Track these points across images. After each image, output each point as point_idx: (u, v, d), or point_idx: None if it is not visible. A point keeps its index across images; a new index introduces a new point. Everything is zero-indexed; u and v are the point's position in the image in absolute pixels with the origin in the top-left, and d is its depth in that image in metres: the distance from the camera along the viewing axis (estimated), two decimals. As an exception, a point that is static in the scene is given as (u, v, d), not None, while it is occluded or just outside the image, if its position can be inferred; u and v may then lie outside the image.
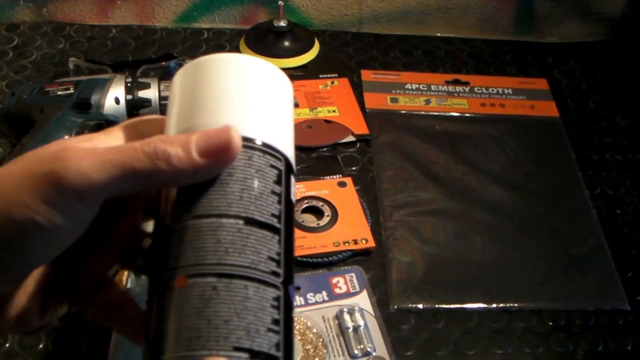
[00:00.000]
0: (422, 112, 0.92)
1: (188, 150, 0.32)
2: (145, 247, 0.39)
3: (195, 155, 0.32)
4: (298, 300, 0.68)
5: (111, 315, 0.38)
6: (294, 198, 0.36)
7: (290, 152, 0.37)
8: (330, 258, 0.73)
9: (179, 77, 0.38)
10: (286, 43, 0.98)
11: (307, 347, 0.64)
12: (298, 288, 0.69)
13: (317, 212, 0.77)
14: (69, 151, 0.32)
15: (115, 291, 0.39)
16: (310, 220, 0.76)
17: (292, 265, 0.34)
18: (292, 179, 0.36)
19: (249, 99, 0.36)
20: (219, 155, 0.33)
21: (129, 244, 0.38)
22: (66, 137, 0.79)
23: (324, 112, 0.90)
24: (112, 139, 0.36)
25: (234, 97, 0.36)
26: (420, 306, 0.70)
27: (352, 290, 0.70)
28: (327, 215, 0.76)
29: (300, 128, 0.87)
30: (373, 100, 0.93)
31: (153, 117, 0.38)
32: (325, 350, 0.64)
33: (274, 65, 0.39)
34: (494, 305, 0.71)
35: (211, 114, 0.35)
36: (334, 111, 0.90)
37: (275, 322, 0.32)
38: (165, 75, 0.87)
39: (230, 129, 0.33)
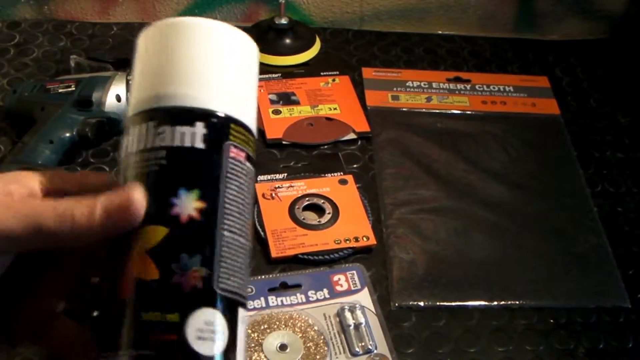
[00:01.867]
0: (423, 110, 0.92)
1: (92, 211, 0.34)
2: (94, 283, 0.39)
3: (98, 216, 0.34)
4: (299, 297, 0.68)
5: (66, 351, 0.39)
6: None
7: (251, 121, 0.39)
8: (332, 256, 0.73)
9: (143, 39, 0.39)
10: (287, 41, 0.98)
11: (308, 345, 0.64)
12: (299, 285, 0.69)
13: (318, 210, 0.77)
14: None
15: (66, 326, 0.39)
16: (311, 217, 0.76)
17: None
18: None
19: (212, 70, 0.37)
20: (120, 218, 0.34)
21: (74, 284, 0.39)
22: (67, 134, 0.79)
23: (325, 110, 0.90)
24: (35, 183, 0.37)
25: (196, 67, 0.37)
26: (422, 304, 0.71)
27: (353, 288, 0.70)
28: (328, 213, 0.76)
29: (302, 125, 0.87)
30: (374, 98, 0.93)
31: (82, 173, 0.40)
32: (326, 348, 0.65)
33: (240, 31, 0.40)
34: (495, 303, 0.71)
35: (173, 84, 0.36)
36: (335, 109, 0.90)
37: None
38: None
39: (132, 192, 0.34)
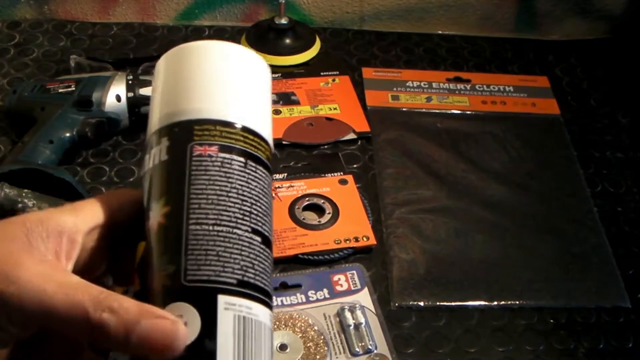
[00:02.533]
0: (423, 110, 0.92)
1: (128, 331, 0.32)
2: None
3: (134, 339, 0.32)
4: (299, 297, 0.68)
5: None
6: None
7: (268, 135, 0.42)
8: (332, 256, 0.73)
9: (162, 63, 0.41)
10: (287, 41, 0.98)
11: (308, 345, 0.64)
12: (299, 285, 0.69)
13: (319, 210, 0.77)
14: (21, 271, 0.32)
15: None
16: (311, 217, 0.76)
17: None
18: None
19: (230, 86, 0.40)
20: (157, 350, 0.32)
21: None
22: (67, 134, 0.79)
23: (325, 110, 0.90)
24: (80, 221, 0.36)
25: (214, 83, 0.39)
26: (422, 304, 0.71)
27: (353, 288, 0.70)
28: (329, 213, 0.76)
29: (302, 125, 0.87)
30: (374, 98, 0.93)
31: (123, 191, 0.40)
32: (326, 348, 0.65)
33: (252, 52, 0.43)
34: (495, 303, 0.71)
35: (193, 100, 0.38)
36: (335, 109, 0.90)
37: None
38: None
39: (178, 325, 0.33)
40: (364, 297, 0.69)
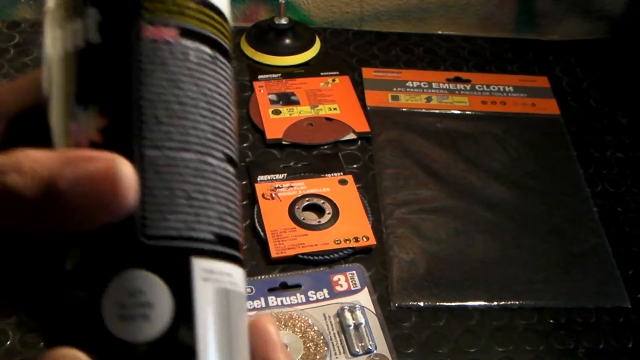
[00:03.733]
0: (423, 110, 0.92)
1: (49, 187, 0.23)
2: None
3: (55, 201, 0.23)
4: (299, 298, 0.68)
5: None
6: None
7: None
8: (331, 256, 0.73)
9: None
10: (287, 41, 0.98)
11: (308, 345, 0.64)
12: (299, 286, 0.69)
13: (318, 210, 0.77)
14: None
15: None
16: (311, 218, 0.76)
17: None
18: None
19: None
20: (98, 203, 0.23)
21: None
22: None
23: (325, 110, 0.90)
24: None
25: None
26: (421, 304, 0.71)
27: (353, 288, 0.70)
28: (328, 213, 0.76)
29: (301, 126, 0.87)
30: (374, 98, 0.93)
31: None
32: (326, 348, 0.64)
33: None
34: (495, 303, 0.71)
35: None
36: (335, 109, 0.90)
37: None
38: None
39: (117, 163, 0.23)
40: (364, 297, 0.69)
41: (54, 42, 0.26)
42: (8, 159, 0.23)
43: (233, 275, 0.26)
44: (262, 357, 0.27)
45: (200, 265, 0.24)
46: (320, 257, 0.72)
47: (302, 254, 0.72)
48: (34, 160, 0.23)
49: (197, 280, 0.24)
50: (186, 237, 0.24)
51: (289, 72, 0.95)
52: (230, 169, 0.27)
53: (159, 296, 0.24)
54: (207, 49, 0.26)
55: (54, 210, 0.23)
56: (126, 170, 0.23)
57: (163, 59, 0.25)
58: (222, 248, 0.25)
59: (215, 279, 0.25)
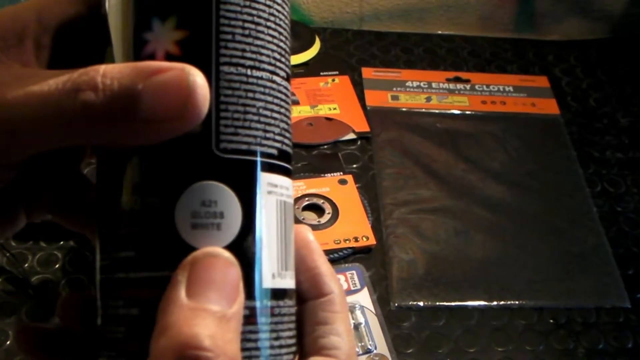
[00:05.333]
0: (423, 110, 0.92)
1: (126, 102, 0.23)
2: None
3: (133, 115, 0.23)
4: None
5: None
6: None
7: None
8: (331, 256, 0.73)
9: None
10: (287, 40, 0.98)
11: (307, 345, 0.64)
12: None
13: (318, 210, 0.77)
14: None
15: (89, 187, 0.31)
16: (310, 217, 0.76)
17: None
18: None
19: None
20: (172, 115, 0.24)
21: None
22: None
23: (324, 110, 0.90)
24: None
25: None
26: (421, 304, 0.70)
27: (352, 288, 0.70)
28: (328, 213, 0.76)
29: (301, 125, 0.87)
30: (374, 98, 0.93)
31: None
32: (326, 348, 0.64)
33: None
34: (495, 303, 0.71)
35: None
36: (334, 109, 0.90)
37: None
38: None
39: (189, 73, 0.24)
40: (364, 297, 0.69)
41: None
42: (80, 77, 0.23)
43: (289, 188, 0.27)
44: (307, 263, 0.30)
45: (266, 179, 0.26)
46: (320, 257, 0.72)
47: (302, 254, 0.72)
48: (107, 76, 0.23)
49: (262, 192, 0.26)
50: (255, 151, 0.26)
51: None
52: (289, 86, 0.28)
53: (230, 207, 0.25)
54: None
55: (130, 124, 0.23)
56: (200, 81, 0.23)
57: None
58: (282, 163, 0.27)
59: (277, 192, 0.26)
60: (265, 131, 0.26)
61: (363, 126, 0.88)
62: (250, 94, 0.26)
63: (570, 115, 0.94)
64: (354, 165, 0.84)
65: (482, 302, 0.71)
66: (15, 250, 0.70)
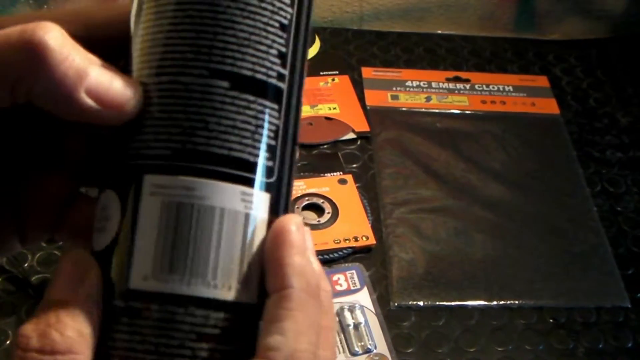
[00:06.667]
0: (423, 110, 0.92)
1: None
2: None
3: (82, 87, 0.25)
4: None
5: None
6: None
7: None
8: (331, 255, 0.73)
9: None
10: (287, 40, 0.98)
11: (307, 344, 0.64)
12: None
13: (318, 210, 0.77)
14: None
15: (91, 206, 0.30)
16: (310, 217, 0.76)
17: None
18: None
19: None
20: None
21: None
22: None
23: (324, 109, 0.90)
24: None
25: None
26: (421, 303, 0.70)
27: (352, 288, 0.70)
28: (328, 213, 0.76)
29: (301, 125, 0.87)
30: (374, 98, 0.93)
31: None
32: (325, 348, 0.64)
33: None
34: (495, 303, 0.71)
35: None
36: (334, 108, 0.90)
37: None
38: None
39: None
40: (364, 297, 0.69)
41: None
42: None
43: (200, 189, 0.25)
44: (272, 254, 0.27)
45: (151, 180, 0.25)
46: (319, 257, 0.72)
47: (302, 254, 0.72)
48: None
49: (144, 194, 0.25)
50: (142, 155, 0.26)
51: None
52: (222, 83, 0.27)
53: (113, 209, 0.26)
54: None
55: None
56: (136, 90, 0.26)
57: None
58: (183, 162, 0.25)
59: (165, 192, 0.25)
60: (158, 133, 0.26)
61: (363, 126, 0.88)
62: (146, 100, 0.26)
63: (570, 115, 0.94)
64: (354, 165, 0.84)
65: (482, 302, 0.71)
66: (14, 250, 0.70)
